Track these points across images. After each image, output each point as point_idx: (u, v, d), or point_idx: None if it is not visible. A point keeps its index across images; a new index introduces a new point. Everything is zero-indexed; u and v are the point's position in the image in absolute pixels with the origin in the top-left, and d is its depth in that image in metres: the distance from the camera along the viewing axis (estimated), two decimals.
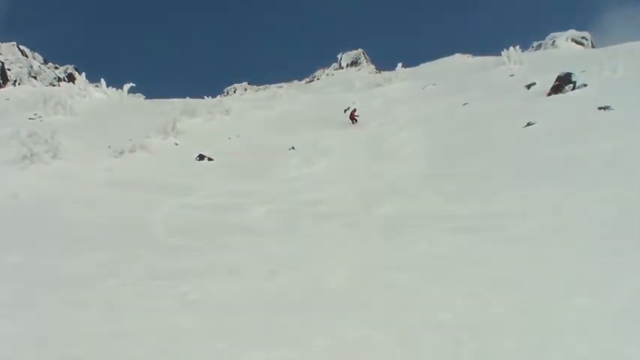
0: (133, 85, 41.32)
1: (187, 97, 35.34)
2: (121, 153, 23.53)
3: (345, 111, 32.32)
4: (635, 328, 6.28)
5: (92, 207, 16.08)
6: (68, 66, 53.43)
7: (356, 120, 29.14)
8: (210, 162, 24.18)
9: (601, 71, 27.19)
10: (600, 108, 21.17)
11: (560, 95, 26.00)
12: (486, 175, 16.58)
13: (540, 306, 7.18)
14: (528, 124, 21.82)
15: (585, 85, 25.90)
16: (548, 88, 27.11)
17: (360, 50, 69.92)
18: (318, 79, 63.89)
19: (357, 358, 6.24)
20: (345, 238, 12.65)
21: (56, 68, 53.97)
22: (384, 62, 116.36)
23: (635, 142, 15.88)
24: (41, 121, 30.19)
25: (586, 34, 53.58)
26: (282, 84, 62.92)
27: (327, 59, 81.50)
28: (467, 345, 6.28)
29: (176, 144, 26.77)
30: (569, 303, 7.13)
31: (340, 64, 68.45)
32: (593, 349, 5.86)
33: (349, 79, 47.64)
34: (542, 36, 56.48)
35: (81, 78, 41.60)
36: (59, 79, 50.70)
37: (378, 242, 11.96)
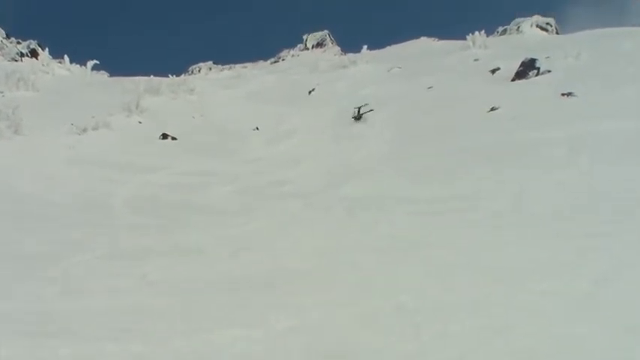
0: (97, 62, 40.63)
1: (152, 76, 34.94)
2: (84, 130, 23.21)
3: (310, 92, 32.26)
4: (593, 311, 6.38)
5: (53, 184, 15.89)
6: (31, 41, 52.39)
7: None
8: (174, 141, 24.02)
9: (565, 57, 27.35)
10: (563, 94, 21.31)
11: (524, 80, 26.15)
12: (449, 158, 16.64)
13: (501, 289, 7.25)
14: (492, 109, 21.93)
15: (549, 71, 26.06)
16: (512, 74, 27.25)
17: (325, 32, 69.51)
18: (283, 59, 63.45)
19: (318, 339, 6.27)
20: (308, 218, 12.68)
21: (19, 43, 52.92)
22: (349, 44, 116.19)
23: (597, 129, 16.02)
24: (3, 96, 29.65)
25: (551, 20, 53.70)
26: (247, 64, 62.46)
27: (292, 40, 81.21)
28: (428, 327, 6.35)
29: (139, 122, 26.49)
30: (530, 286, 7.21)
31: (306, 45, 67.97)
32: (552, 333, 5.95)
33: (314, 61, 47.36)
34: (507, 20, 56.68)
35: (44, 54, 41.05)
36: (22, 55, 49.77)
37: (341, 223, 12.00)
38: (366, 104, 25.77)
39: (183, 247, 10.48)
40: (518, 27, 50.39)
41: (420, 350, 5.88)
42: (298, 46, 68.41)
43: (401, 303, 7.09)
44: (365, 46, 42.45)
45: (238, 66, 59.67)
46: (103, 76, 41.37)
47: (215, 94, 33.78)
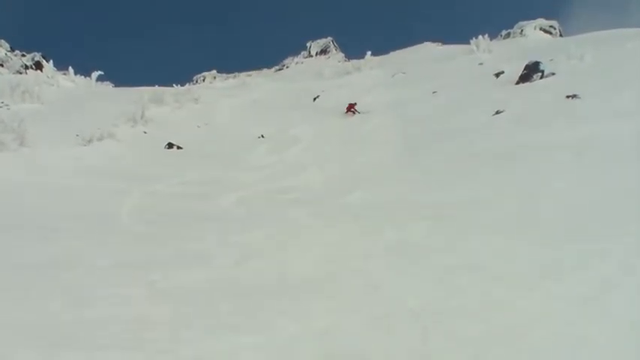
0: (102, 73, 40.86)
1: (156, 86, 35.12)
2: (89, 141, 23.27)
3: (315, 99, 32.30)
4: (599, 314, 6.35)
5: (58, 195, 15.89)
6: (35, 54, 52.52)
7: (353, 112, 28.42)
8: (179, 150, 24.08)
9: (569, 60, 27.36)
10: (568, 96, 21.29)
11: (528, 84, 26.15)
12: (454, 163, 16.63)
13: (506, 293, 7.22)
14: (497, 113, 21.92)
15: (553, 74, 26.06)
16: (516, 77, 27.27)
17: (329, 38, 69.68)
18: (287, 67, 63.62)
19: (324, 345, 6.25)
20: (313, 225, 12.64)
21: (23, 56, 53.04)
22: (353, 50, 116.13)
23: (603, 131, 15.97)
24: (8, 109, 29.76)
25: (554, 22, 53.72)
26: (252, 72, 62.62)
27: (296, 47, 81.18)
28: (434, 331, 6.33)
29: (145, 132, 26.58)
30: (536, 290, 7.18)
31: (310, 53, 68.10)
32: (559, 336, 5.92)
33: (319, 68, 47.53)
34: (510, 24, 56.68)
35: (48, 66, 41.37)
36: (26, 67, 49.90)
37: (346, 230, 11.95)
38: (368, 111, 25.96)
39: (189, 255, 10.44)
40: (522, 30, 50.44)
41: (429, 354, 5.87)
42: (302, 53, 68.56)
43: (409, 308, 7.07)
44: (369, 52, 42.77)
45: (242, 74, 59.79)
46: (107, 87, 41.56)
47: (220, 103, 33.88)
